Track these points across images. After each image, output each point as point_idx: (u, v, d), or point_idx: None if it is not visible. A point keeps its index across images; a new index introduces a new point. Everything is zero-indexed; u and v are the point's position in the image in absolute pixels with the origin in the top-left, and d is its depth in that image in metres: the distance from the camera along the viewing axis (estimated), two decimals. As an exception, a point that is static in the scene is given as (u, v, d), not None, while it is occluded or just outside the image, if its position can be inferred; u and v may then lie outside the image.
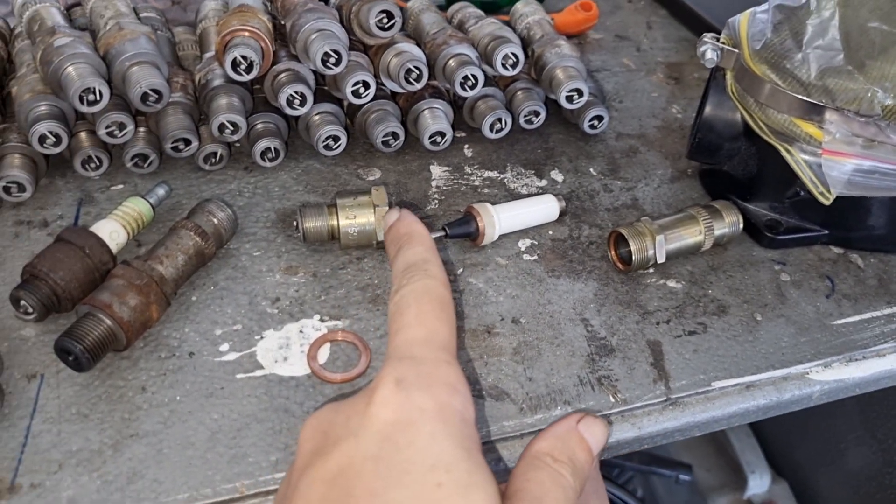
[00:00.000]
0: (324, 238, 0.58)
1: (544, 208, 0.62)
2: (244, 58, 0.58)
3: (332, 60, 0.59)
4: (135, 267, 0.52)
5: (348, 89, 0.62)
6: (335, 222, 0.58)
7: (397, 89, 0.66)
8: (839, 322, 0.59)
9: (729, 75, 0.63)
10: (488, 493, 0.35)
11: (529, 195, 0.66)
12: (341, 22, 0.64)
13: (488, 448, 0.49)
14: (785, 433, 1.33)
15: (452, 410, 0.37)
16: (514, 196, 0.66)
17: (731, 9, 0.68)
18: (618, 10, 0.96)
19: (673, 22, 0.94)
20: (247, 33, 0.59)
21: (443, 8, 0.77)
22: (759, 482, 1.31)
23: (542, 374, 0.53)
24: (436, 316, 0.41)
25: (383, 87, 0.67)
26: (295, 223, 0.59)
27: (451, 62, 0.66)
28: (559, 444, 0.41)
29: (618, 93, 0.81)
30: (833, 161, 0.57)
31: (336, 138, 0.64)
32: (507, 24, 0.76)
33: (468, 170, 0.69)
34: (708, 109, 0.64)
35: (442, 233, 0.59)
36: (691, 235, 0.60)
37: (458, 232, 0.60)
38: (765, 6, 0.61)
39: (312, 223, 0.58)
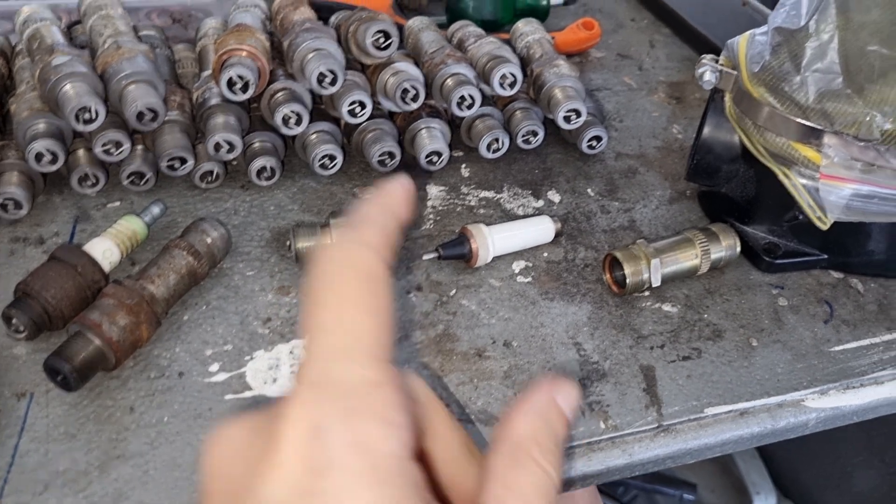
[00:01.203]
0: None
1: (539, 229, 0.62)
2: (240, 77, 0.58)
3: (328, 80, 0.60)
4: (126, 286, 0.52)
5: (344, 109, 0.62)
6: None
7: (394, 109, 0.66)
8: (837, 348, 0.58)
9: (727, 97, 0.63)
10: None
11: (525, 216, 0.65)
12: (339, 41, 0.64)
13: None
14: (791, 454, 1.31)
15: (384, 455, 0.27)
16: (510, 216, 0.66)
17: (734, 28, 0.68)
18: (620, 29, 0.96)
19: (676, 41, 0.93)
20: (243, 53, 0.60)
21: (444, 26, 0.77)
22: (765, 503, 1.29)
23: (533, 399, 0.52)
24: (361, 305, 0.30)
25: (380, 107, 0.67)
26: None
27: (449, 81, 0.66)
28: (543, 426, 0.32)
29: (618, 112, 0.80)
30: (831, 186, 0.57)
31: (332, 157, 0.64)
32: (508, 42, 0.76)
33: (464, 190, 0.68)
34: (706, 131, 0.64)
35: (435, 254, 0.59)
36: (687, 259, 0.60)
37: (452, 253, 0.59)
38: (764, 28, 0.60)
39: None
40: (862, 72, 0.54)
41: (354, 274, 0.30)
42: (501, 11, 0.84)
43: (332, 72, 0.59)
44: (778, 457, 1.33)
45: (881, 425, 1.15)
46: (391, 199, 0.33)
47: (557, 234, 0.63)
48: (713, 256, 0.61)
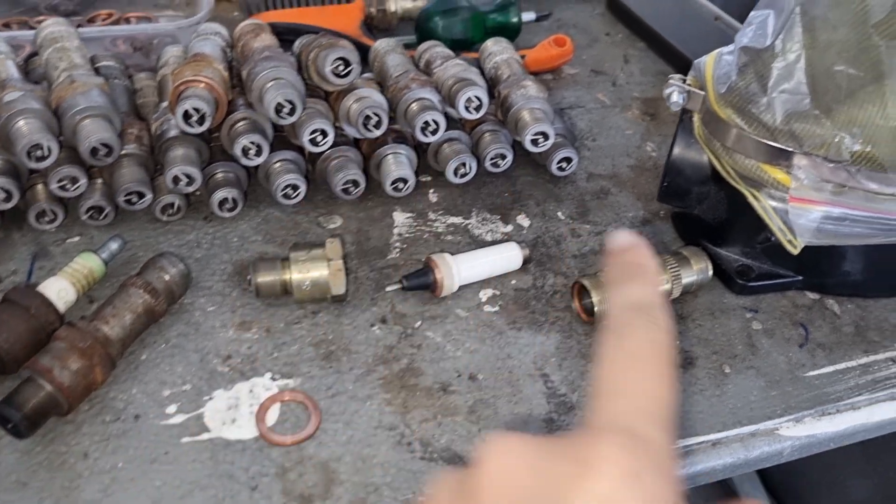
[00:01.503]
0: (277, 293, 0.57)
1: (507, 257, 0.61)
2: (196, 110, 0.57)
3: (286, 110, 0.58)
4: (79, 328, 0.51)
5: (305, 138, 0.61)
6: (288, 276, 0.56)
7: (357, 136, 0.64)
8: (812, 373, 0.57)
9: (696, 118, 0.62)
10: None
11: (494, 242, 0.64)
12: (300, 69, 0.63)
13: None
14: (784, 462, 1.30)
15: None
16: (478, 243, 0.65)
17: (706, 43, 0.67)
18: (595, 44, 0.95)
19: (650, 55, 0.92)
20: (200, 84, 0.58)
21: (414, 46, 0.76)
22: (758, 514, 1.28)
23: (498, 435, 0.51)
24: (664, 381, 0.34)
25: (345, 133, 0.66)
26: (248, 278, 0.57)
27: (414, 106, 0.64)
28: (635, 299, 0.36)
29: (591, 130, 0.79)
30: (801, 209, 0.55)
31: (295, 187, 0.63)
32: (478, 61, 0.75)
33: (432, 216, 0.67)
34: (676, 152, 0.62)
35: (398, 285, 0.58)
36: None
37: (416, 284, 0.58)
38: (731, 47, 0.59)
39: (264, 278, 0.56)
40: (829, 92, 0.53)
41: (658, 356, 0.34)
42: (472, 30, 0.83)
43: (290, 102, 0.58)
44: (772, 465, 1.32)
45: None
46: (656, 272, 0.38)
47: (526, 261, 0.62)
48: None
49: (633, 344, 0.35)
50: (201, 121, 0.57)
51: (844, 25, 0.52)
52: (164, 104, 0.63)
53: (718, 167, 0.60)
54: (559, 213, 0.68)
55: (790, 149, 0.55)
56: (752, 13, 0.57)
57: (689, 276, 0.60)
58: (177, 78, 0.59)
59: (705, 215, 0.64)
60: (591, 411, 0.33)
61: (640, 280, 0.38)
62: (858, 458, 1.32)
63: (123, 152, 0.60)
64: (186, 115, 0.57)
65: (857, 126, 0.52)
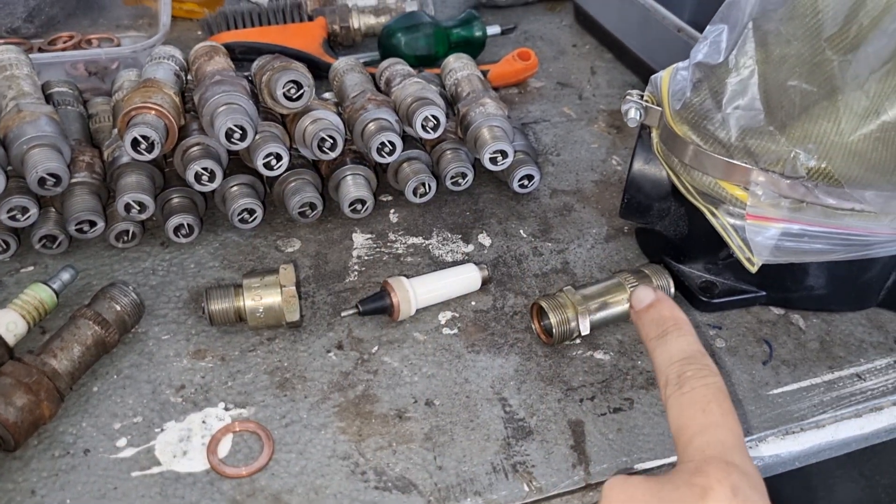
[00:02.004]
0: (231, 320, 0.56)
1: (465, 279, 0.60)
2: (145, 137, 0.56)
3: (237, 136, 0.57)
4: (25, 363, 0.50)
5: (259, 162, 0.60)
6: (241, 304, 0.56)
7: (313, 158, 0.64)
8: (776, 391, 0.56)
9: (654, 134, 0.61)
10: None
11: (454, 262, 0.63)
12: (254, 92, 0.62)
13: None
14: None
15: None
16: (438, 264, 0.64)
17: (671, 54, 0.66)
18: (562, 56, 0.94)
19: (618, 66, 0.91)
20: (151, 111, 0.58)
21: (378, 62, 0.75)
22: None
23: (454, 462, 0.50)
24: (733, 417, 0.41)
25: (302, 156, 0.65)
26: (202, 305, 0.57)
27: (370, 126, 0.63)
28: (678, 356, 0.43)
29: (556, 145, 0.78)
30: (758, 226, 0.54)
31: (251, 211, 0.62)
32: (440, 76, 0.74)
33: (392, 237, 0.66)
34: (635, 168, 0.62)
35: (354, 310, 0.57)
36: (618, 304, 0.58)
37: (372, 308, 0.57)
38: (687, 62, 0.58)
39: (218, 305, 0.55)
40: (783, 108, 0.52)
41: (725, 398, 0.41)
42: (435, 46, 0.82)
43: (240, 127, 0.57)
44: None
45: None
46: (688, 322, 0.45)
47: (485, 282, 0.61)
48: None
49: (696, 392, 0.42)
50: (150, 148, 0.57)
51: (797, 40, 0.52)
52: (116, 130, 0.62)
53: (677, 184, 0.59)
54: (521, 231, 0.68)
55: (747, 165, 0.54)
56: (707, 28, 0.57)
57: None
58: (126, 104, 0.58)
59: (667, 231, 0.63)
60: (681, 453, 0.40)
61: (681, 331, 0.45)
62: (844, 462, 1.31)
63: (75, 180, 0.59)
64: (135, 143, 0.56)
65: (812, 142, 0.52)
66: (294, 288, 0.55)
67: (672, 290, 0.59)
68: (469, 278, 0.60)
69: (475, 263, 0.61)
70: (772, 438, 0.53)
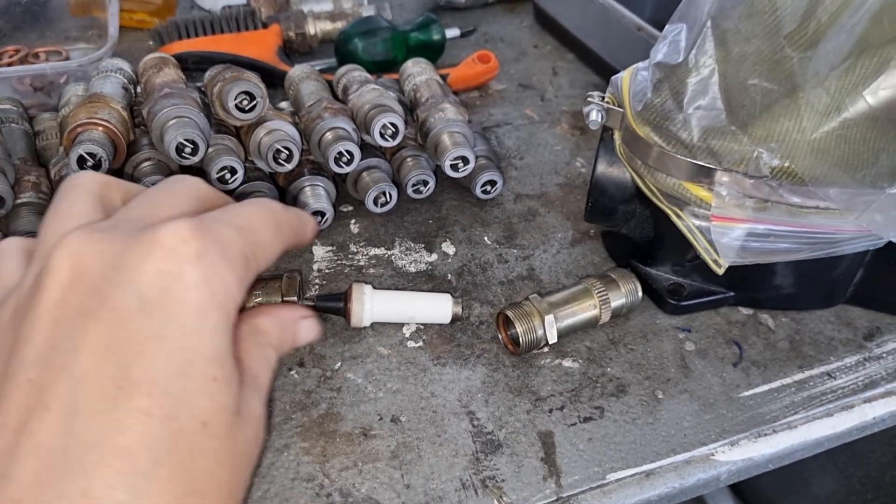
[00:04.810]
0: None
1: (434, 308, 0.57)
2: (91, 154, 0.54)
3: (188, 150, 0.56)
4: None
5: (214, 175, 0.58)
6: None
7: (269, 170, 0.62)
8: (747, 393, 0.55)
9: (617, 135, 0.60)
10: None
11: (417, 273, 0.62)
12: (206, 104, 0.60)
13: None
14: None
15: None
16: (402, 275, 0.62)
17: (632, 54, 0.65)
18: (523, 57, 0.93)
19: (580, 66, 0.90)
20: (98, 127, 0.56)
21: (335, 69, 0.73)
22: (722, 512, 1.28)
23: (422, 480, 0.49)
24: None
25: (259, 168, 0.63)
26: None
27: (327, 136, 0.62)
28: (280, 332, 0.42)
29: (518, 149, 0.77)
30: (723, 227, 0.54)
31: (207, 227, 0.60)
32: (398, 82, 0.73)
33: (353, 248, 0.65)
34: (599, 171, 0.61)
35: (311, 303, 0.56)
36: (585, 311, 0.57)
37: (326, 305, 0.55)
38: (647, 62, 0.57)
39: None
40: (745, 107, 0.52)
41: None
42: (393, 50, 0.80)
43: (191, 142, 0.55)
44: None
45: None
46: None
47: (455, 319, 0.58)
48: (613, 305, 0.57)
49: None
50: (97, 166, 0.54)
51: (757, 38, 0.51)
52: (63, 148, 0.60)
53: (642, 186, 0.59)
54: (486, 238, 0.66)
55: (711, 166, 0.54)
56: (666, 27, 0.56)
57: (618, 300, 0.58)
58: (71, 121, 0.56)
59: (633, 234, 0.62)
60: None
61: None
62: (820, 455, 1.32)
63: (20, 201, 0.57)
64: (81, 161, 0.54)
65: (775, 141, 0.51)
66: (296, 300, 0.53)
67: (640, 294, 0.58)
68: (439, 308, 0.57)
69: (453, 296, 0.58)
70: (744, 441, 0.53)
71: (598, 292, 0.57)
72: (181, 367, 0.32)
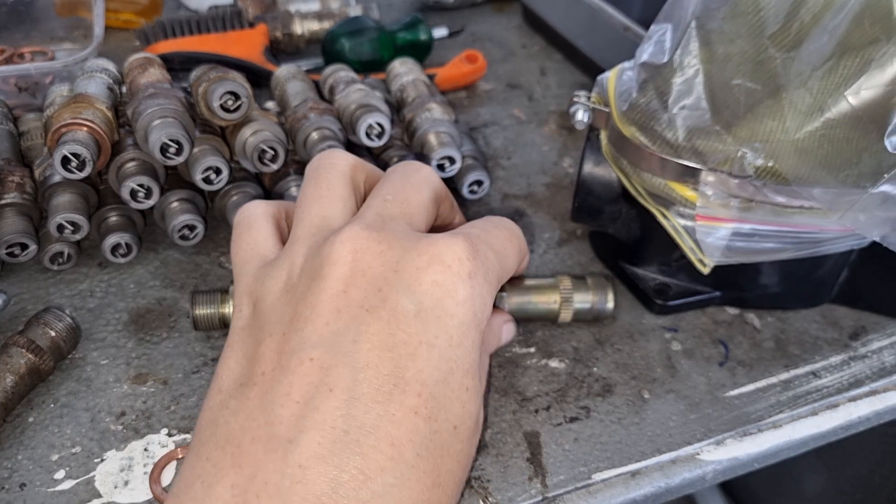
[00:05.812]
0: (216, 325, 0.54)
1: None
2: (75, 155, 0.54)
3: (173, 150, 0.55)
4: (-47, 397, 0.48)
5: (198, 176, 0.58)
6: (227, 310, 0.54)
7: (254, 170, 0.62)
8: (733, 393, 0.55)
9: (603, 135, 0.60)
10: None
11: (404, 273, 0.62)
12: (191, 104, 0.60)
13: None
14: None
15: None
16: (388, 275, 0.62)
17: (619, 54, 0.65)
18: (511, 57, 0.93)
19: (568, 66, 0.90)
20: (82, 127, 0.55)
21: (322, 69, 0.73)
22: (712, 512, 1.28)
23: (408, 481, 0.49)
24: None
25: (244, 168, 0.63)
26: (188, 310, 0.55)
27: (313, 136, 0.62)
28: (490, 338, 0.51)
29: (506, 149, 0.77)
30: (708, 227, 0.54)
31: (192, 227, 0.60)
32: (385, 82, 0.73)
33: (340, 249, 0.64)
34: (585, 170, 0.61)
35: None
36: (545, 302, 0.56)
37: None
38: (632, 62, 0.57)
39: (203, 311, 0.53)
40: (729, 107, 0.52)
41: None
42: (380, 50, 0.80)
43: (175, 142, 0.55)
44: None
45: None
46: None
47: None
48: (576, 306, 0.56)
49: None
50: (82, 166, 0.54)
51: (740, 38, 0.51)
52: (47, 149, 0.60)
53: (628, 185, 0.59)
54: (472, 239, 0.66)
55: (696, 165, 0.54)
56: (651, 27, 0.56)
57: (583, 303, 0.57)
58: (55, 121, 0.55)
59: (620, 234, 0.62)
60: None
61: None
62: (810, 454, 1.32)
63: (4, 201, 0.57)
64: (65, 161, 0.54)
65: (759, 141, 0.51)
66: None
67: (609, 305, 0.57)
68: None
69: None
70: (730, 441, 0.53)
71: (564, 290, 0.56)
72: (445, 374, 0.36)
